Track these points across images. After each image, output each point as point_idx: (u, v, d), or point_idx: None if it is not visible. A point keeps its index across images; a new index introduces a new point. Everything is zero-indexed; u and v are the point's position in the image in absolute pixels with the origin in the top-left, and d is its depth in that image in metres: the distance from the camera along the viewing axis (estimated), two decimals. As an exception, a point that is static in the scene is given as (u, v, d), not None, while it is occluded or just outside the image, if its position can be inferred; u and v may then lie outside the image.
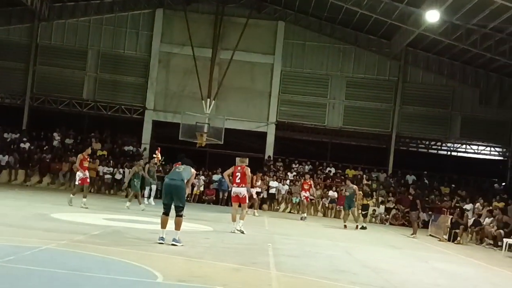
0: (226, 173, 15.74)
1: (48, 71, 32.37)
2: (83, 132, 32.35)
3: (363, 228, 21.15)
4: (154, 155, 20.94)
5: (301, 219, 23.05)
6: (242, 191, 14.74)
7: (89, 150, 18.99)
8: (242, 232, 14.44)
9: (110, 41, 32.61)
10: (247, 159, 15.69)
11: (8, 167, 28.78)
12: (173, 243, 10.68)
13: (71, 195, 17.92)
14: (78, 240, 10.31)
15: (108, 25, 32.66)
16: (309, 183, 23.77)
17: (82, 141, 31.52)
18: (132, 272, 8.04)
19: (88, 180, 18.64)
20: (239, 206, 15.12)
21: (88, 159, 18.77)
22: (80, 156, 18.29)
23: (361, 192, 23.91)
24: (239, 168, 14.99)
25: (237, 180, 14.78)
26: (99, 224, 13.38)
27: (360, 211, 24.52)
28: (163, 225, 10.93)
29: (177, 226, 10.87)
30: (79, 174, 17.94)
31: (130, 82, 32.70)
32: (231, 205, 15.61)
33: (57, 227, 12.00)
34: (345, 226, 21.07)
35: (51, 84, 32.25)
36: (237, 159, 15.45)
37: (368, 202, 23.98)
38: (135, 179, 19.60)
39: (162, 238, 10.80)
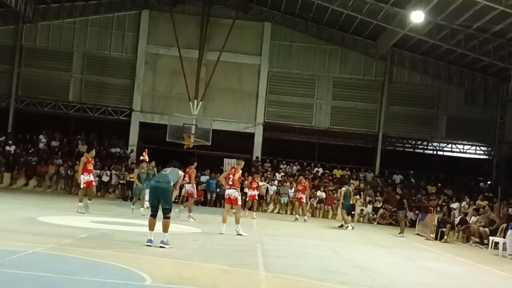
0: (222, 175, 16.00)
1: (34, 73, 32.14)
2: (69, 134, 32.14)
3: (341, 227, 21.30)
4: (142, 157, 20.68)
5: (296, 219, 22.84)
6: (232, 193, 14.77)
7: (93, 153, 17.85)
8: (240, 235, 14.39)
9: (96, 42, 32.45)
10: (243, 161, 15.92)
11: (-6, 170, 28.54)
12: (161, 245, 10.69)
13: (80, 203, 16.89)
14: (65, 244, 10.23)
15: (94, 27, 32.49)
16: (303, 184, 23.72)
17: (68, 143, 31.37)
18: (120, 275, 8.00)
19: (94, 183, 17.80)
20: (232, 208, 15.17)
21: (92, 162, 17.69)
22: (83, 158, 17.34)
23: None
24: (233, 170, 15.20)
25: (230, 182, 14.90)
26: (86, 227, 13.30)
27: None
28: (151, 227, 10.93)
29: (165, 228, 10.87)
30: (83, 177, 17.08)
31: (117, 84, 32.56)
32: (221, 206, 15.60)
33: (44, 231, 11.91)
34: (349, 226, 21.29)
35: (36, 86, 32.02)
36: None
37: (354, 202, 23.63)
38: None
39: (150, 241, 10.81)
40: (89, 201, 17.24)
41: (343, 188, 22.00)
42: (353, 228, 21.12)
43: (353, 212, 22.41)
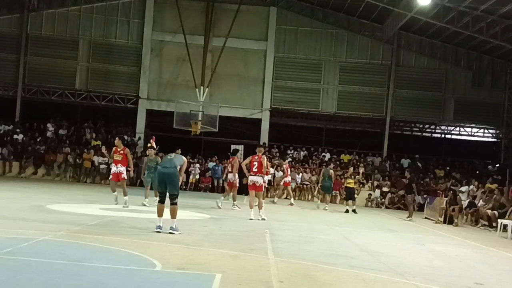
0: (243, 163, 16.32)
1: (40, 62, 32.17)
2: (76, 123, 32.25)
3: (325, 209, 21.61)
4: (149, 144, 20.62)
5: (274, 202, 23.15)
6: (258, 179, 15.40)
7: (118, 142, 16.70)
8: (264, 219, 14.95)
9: (101, 30, 32.39)
10: (263, 148, 16.63)
11: (2, 159, 28.69)
12: (170, 231, 10.80)
13: (125, 197, 15.73)
14: (75, 231, 10.30)
15: (99, 14, 32.41)
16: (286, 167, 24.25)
17: (76, 132, 31.47)
18: (131, 261, 8.05)
19: (124, 176, 16.14)
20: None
21: (121, 152, 16.26)
22: (113, 149, 16.40)
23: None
24: (256, 157, 15.62)
25: (254, 169, 15.44)
26: (96, 214, 13.38)
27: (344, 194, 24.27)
28: (160, 213, 11.03)
29: (173, 214, 10.95)
30: (111, 169, 16.14)
31: (123, 71, 32.55)
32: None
33: (54, 218, 11.99)
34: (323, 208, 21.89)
35: (43, 74, 32.06)
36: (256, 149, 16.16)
37: (353, 186, 23.29)
38: (146, 171, 17.62)
39: (159, 227, 10.90)
40: (125, 196, 15.78)
41: (323, 170, 22.57)
42: (326, 209, 21.44)
43: (355, 196, 22.38)
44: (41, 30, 32.32)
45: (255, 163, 15.47)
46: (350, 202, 21.86)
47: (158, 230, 10.83)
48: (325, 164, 27.59)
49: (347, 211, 21.41)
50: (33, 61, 32.22)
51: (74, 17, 32.35)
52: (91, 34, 32.37)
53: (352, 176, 22.68)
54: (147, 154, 18.18)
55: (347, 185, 22.15)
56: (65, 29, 32.33)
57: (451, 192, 21.56)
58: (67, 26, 32.33)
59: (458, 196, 21.26)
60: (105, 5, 32.43)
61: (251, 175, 15.55)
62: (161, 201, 11.10)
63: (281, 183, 24.63)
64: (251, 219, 14.95)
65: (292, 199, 23.96)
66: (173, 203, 10.98)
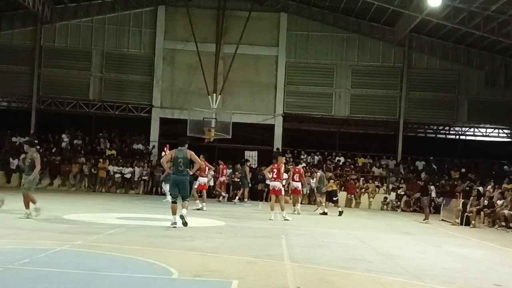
0: (266, 170, 18.14)
1: (54, 73, 32.46)
2: (91, 133, 32.50)
3: (324, 213, 20.99)
4: (163, 152, 20.77)
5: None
6: (277, 184, 17.08)
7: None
8: (287, 220, 16.61)
9: (114, 40, 32.65)
10: (283, 157, 18.51)
11: (18, 171, 28.92)
12: (182, 215, 12.59)
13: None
14: (92, 240, 10.37)
15: (111, 25, 32.68)
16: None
17: (90, 142, 31.70)
18: (148, 269, 8.08)
19: None
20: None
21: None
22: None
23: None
24: (275, 165, 17.28)
25: (274, 175, 17.17)
26: (112, 223, 13.43)
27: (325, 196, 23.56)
28: (174, 212, 12.85)
29: (185, 207, 12.98)
30: None
31: (136, 81, 32.75)
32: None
33: (71, 228, 12.08)
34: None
35: (57, 86, 32.35)
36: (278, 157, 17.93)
37: (336, 188, 22.67)
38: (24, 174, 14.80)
39: (174, 223, 12.68)
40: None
41: (318, 173, 22.55)
42: (326, 214, 20.86)
43: (334, 198, 21.92)
44: (54, 42, 32.63)
45: (275, 170, 17.07)
46: (328, 203, 21.60)
47: (174, 225, 12.63)
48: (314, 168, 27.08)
49: (325, 213, 20.95)
50: (47, 73, 32.52)
51: (87, 28, 32.64)
52: (104, 45, 32.63)
53: (332, 180, 22.23)
54: (25, 150, 14.83)
55: (329, 189, 21.67)
56: (78, 41, 32.62)
57: (476, 190, 21.45)
58: (79, 37, 32.62)
59: (481, 198, 21.12)
60: (117, 15, 32.69)
61: (271, 181, 17.25)
62: (175, 202, 12.96)
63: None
64: (270, 219, 16.45)
65: (201, 201, 19.85)
66: (186, 200, 13.08)
